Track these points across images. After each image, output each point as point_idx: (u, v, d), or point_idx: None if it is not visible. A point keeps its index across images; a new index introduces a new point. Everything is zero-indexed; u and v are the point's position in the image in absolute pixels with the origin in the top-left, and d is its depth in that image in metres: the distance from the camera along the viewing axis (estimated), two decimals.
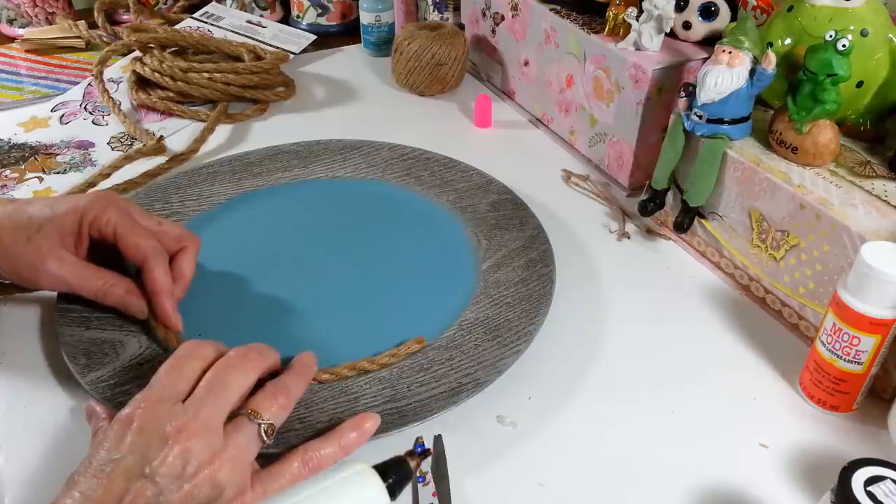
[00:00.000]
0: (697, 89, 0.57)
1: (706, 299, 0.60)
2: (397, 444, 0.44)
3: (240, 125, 0.83)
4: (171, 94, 0.83)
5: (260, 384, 0.43)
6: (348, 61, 0.98)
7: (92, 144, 0.78)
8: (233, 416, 0.40)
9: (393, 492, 0.35)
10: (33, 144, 0.77)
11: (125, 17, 1.03)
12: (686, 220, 0.61)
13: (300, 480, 0.39)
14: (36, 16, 1.00)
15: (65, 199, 0.53)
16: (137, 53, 0.86)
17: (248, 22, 1.02)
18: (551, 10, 0.76)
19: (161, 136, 0.78)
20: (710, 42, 0.64)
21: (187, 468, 0.37)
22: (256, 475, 0.40)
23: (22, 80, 0.90)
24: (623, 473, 0.46)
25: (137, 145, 0.77)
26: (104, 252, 0.53)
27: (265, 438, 0.40)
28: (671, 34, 0.68)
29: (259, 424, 0.40)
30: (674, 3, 0.65)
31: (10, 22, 1.00)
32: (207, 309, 0.56)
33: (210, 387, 0.40)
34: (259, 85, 0.85)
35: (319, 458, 0.42)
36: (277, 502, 0.34)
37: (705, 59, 0.64)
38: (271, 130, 0.82)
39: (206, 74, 0.83)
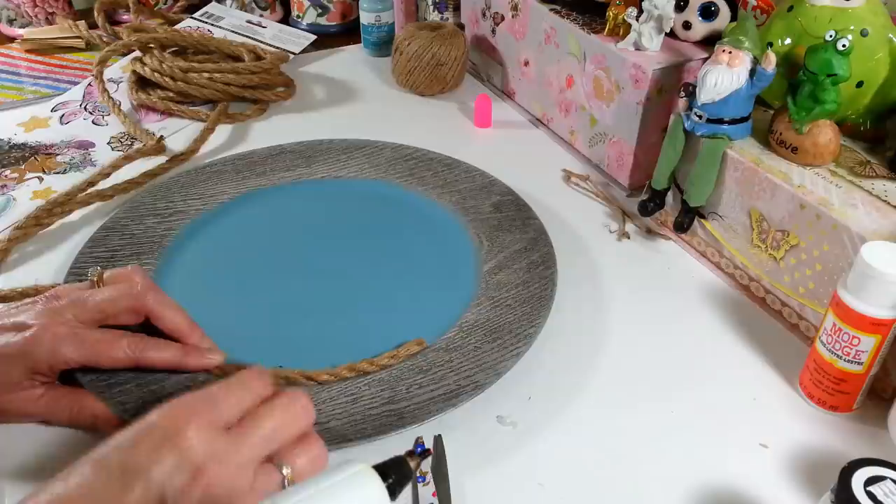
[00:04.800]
0: (697, 89, 0.57)
1: (706, 299, 0.60)
2: (397, 444, 0.44)
3: (240, 125, 0.83)
4: (171, 94, 0.83)
5: None
6: (348, 61, 0.98)
7: (92, 144, 0.78)
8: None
9: (393, 492, 0.35)
10: (33, 144, 0.77)
11: (125, 17, 1.03)
12: (686, 220, 0.61)
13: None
14: (36, 16, 1.00)
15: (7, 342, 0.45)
16: (137, 53, 0.86)
17: (248, 22, 1.02)
18: (551, 10, 0.76)
19: (161, 136, 0.78)
20: (710, 42, 0.64)
21: (219, 497, 0.36)
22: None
23: (22, 80, 0.90)
24: (623, 473, 0.46)
25: (137, 145, 0.77)
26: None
27: (284, 486, 0.38)
28: (671, 34, 0.68)
29: (284, 477, 0.38)
30: (674, 3, 0.65)
31: (10, 22, 1.00)
32: (208, 308, 0.56)
33: (258, 427, 0.38)
34: (259, 85, 0.85)
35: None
36: (278, 502, 0.34)
37: (705, 59, 0.64)
38: (271, 130, 0.82)
39: (206, 74, 0.83)
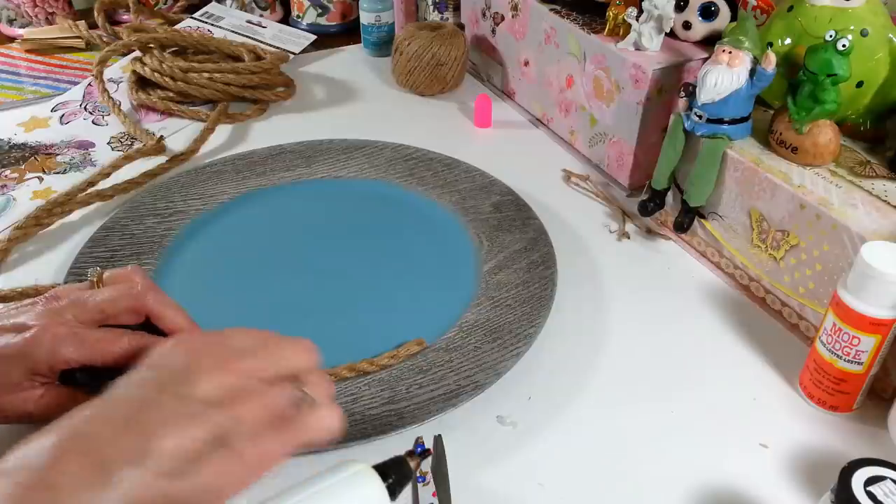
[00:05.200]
0: (697, 89, 0.57)
1: (706, 299, 0.60)
2: (397, 444, 0.44)
3: (240, 125, 0.83)
4: (171, 94, 0.83)
5: None
6: (348, 61, 0.98)
7: (92, 144, 0.78)
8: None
9: (393, 492, 0.35)
10: (33, 144, 0.77)
11: (125, 17, 1.03)
12: (686, 220, 0.61)
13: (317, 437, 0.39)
14: (36, 16, 1.00)
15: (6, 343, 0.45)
16: (137, 53, 0.86)
17: (248, 22, 1.02)
18: (551, 10, 0.76)
19: (161, 136, 0.78)
20: (710, 42, 0.64)
21: (217, 395, 0.36)
22: (276, 427, 0.38)
23: (22, 80, 0.90)
24: (623, 473, 0.46)
25: (137, 145, 0.77)
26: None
27: (298, 407, 0.39)
28: (671, 34, 0.68)
29: (300, 393, 0.39)
30: (674, 3, 0.65)
31: (10, 22, 1.00)
32: (208, 308, 0.55)
33: (263, 348, 0.40)
34: (259, 85, 0.85)
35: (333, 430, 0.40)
36: (278, 502, 0.34)
37: (705, 59, 0.64)
38: (271, 130, 0.82)
39: (206, 74, 0.83)
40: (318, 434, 0.38)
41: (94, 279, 0.49)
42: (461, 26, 0.92)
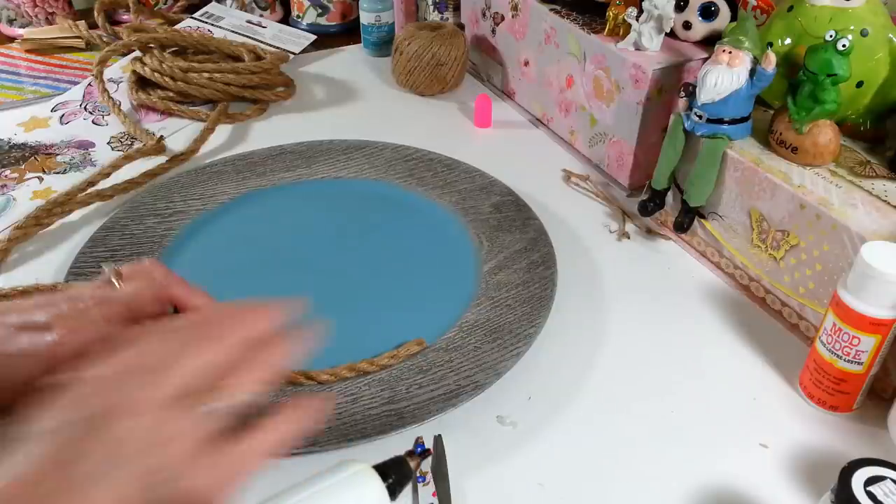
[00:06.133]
0: (697, 89, 0.57)
1: (706, 299, 0.60)
2: (397, 444, 0.44)
3: (240, 125, 0.83)
4: (171, 94, 0.83)
5: None
6: (348, 61, 0.98)
7: (92, 144, 0.78)
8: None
9: (393, 492, 0.35)
10: (33, 144, 0.77)
11: (125, 17, 1.03)
12: (686, 220, 0.61)
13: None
14: (36, 16, 1.00)
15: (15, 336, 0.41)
16: (137, 53, 0.86)
17: (248, 22, 1.02)
18: (551, 10, 0.76)
19: (161, 136, 0.78)
20: (710, 42, 0.64)
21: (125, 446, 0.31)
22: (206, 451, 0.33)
23: (22, 80, 0.90)
24: (623, 473, 0.46)
25: (137, 145, 0.77)
26: None
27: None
28: (671, 34, 0.68)
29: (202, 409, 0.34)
30: (674, 3, 0.65)
31: (10, 22, 1.00)
32: None
33: (150, 362, 0.35)
34: (259, 85, 0.85)
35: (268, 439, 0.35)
36: (277, 502, 0.34)
37: (705, 59, 0.64)
38: (271, 130, 0.82)
39: (206, 74, 0.83)
40: (264, 449, 0.34)
41: (112, 276, 0.48)
42: (461, 26, 0.92)
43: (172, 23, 1.00)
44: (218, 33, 0.97)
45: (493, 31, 0.87)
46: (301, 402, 0.36)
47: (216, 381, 0.35)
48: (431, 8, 0.95)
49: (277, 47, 0.95)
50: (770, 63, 0.54)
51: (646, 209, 0.64)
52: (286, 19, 1.07)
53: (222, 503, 0.32)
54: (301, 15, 1.04)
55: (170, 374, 0.33)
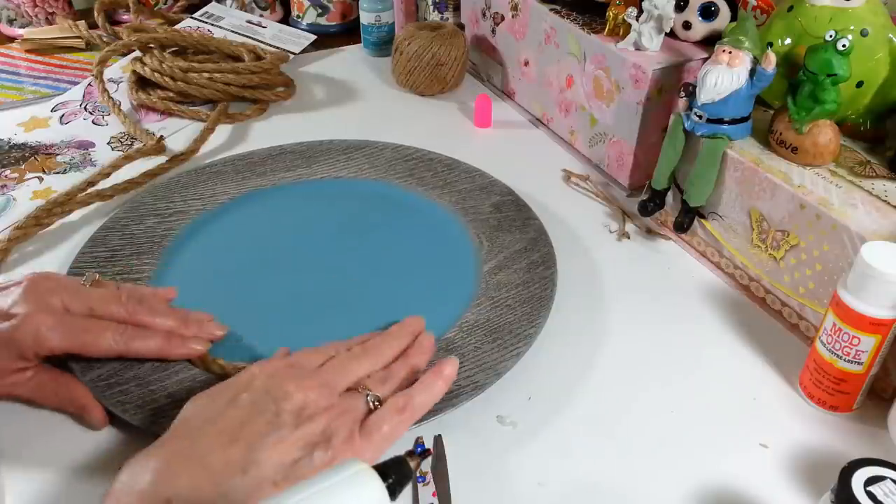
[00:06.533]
0: (697, 89, 0.57)
1: (706, 299, 0.60)
2: (397, 444, 0.44)
3: (240, 125, 0.83)
4: (171, 94, 0.83)
5: None
6: (348, 61, 0.98)
7: (92, 144, 0.78)
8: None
9: (393, 492, 0.35)
10: (33, 144, 0.77)
11: (125, 17, 1.03)
12: (686, 220, 0.61)
13: (400, 428, 0.44)
14: (36, 16, 1.00)
15: None
16: (137, 53, 0.86)
17: (248, 22, 1.02)
18: (551, 10, 0.76)
19: (161, 136, 0.78)
20: (710, 42, 0.64)
21: (305, 410, 0.41)
22: (361, 428, 0.43)
23: (22, 80, 0.90)
24: (623, 473, 0.46)
25: (137, 145, 0.77)
26: None
27: (371, 406, 0.44)
28: (671, 34, 0.68)
29: (367, 395, 0.44)
30: (674, 3, 0.65)
31: (10, 22, 1.00)
32: (208, 308, 0.55)
33: (332, 365, 0.45)
34: (259, 85, 0.85)
35: (413, 405, 0.44)
36: (277, 502, 0.34)
37: (705, 59, 0.64)
38: (271, 130, 0.82)
39: (206, 74, 0.83)
40: (393, 420, 0.43)
41: (88, 283, 0.50)
42: (461, 26, 0.92)
43: (172, 23, 1.00)
44: (218, 33, 0.97)
45: (493, 31, 0.87)
46: (429, 374, 0.46)
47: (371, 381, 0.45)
48: (431, 8, 0.95)
49: (277, 47, 0.95)
50: (770, 63, 0.54)
51: (646, 209, 0.64)
52: (286, 19, 1.07)
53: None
54: (301, 15, 1.04)
55: (335, 372, 0.45)
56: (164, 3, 1.07)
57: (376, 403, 0.44)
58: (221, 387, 0.43)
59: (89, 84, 0.87)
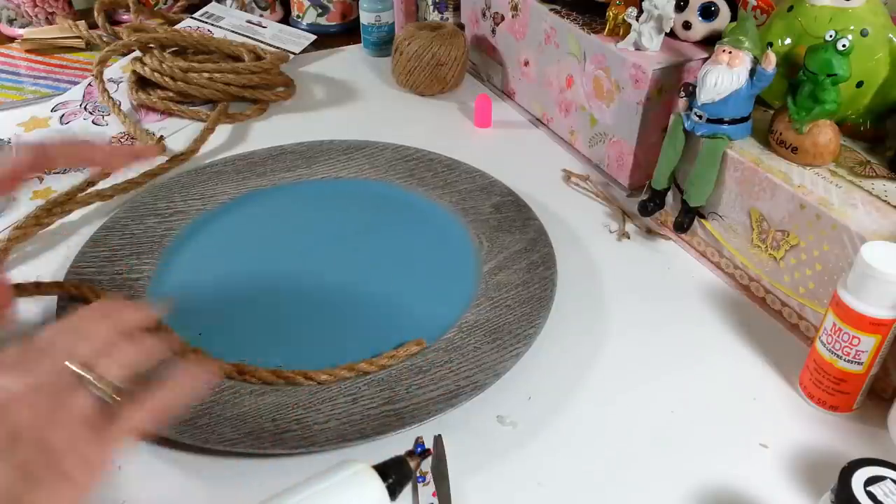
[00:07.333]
0: (697, 89, 0.57)
1: (706, 299, 0.60)
2: (397, 444, 0.44)
3: (240, 125, 0.83)
4: (171, 94, 0.83)
5: None
6: (348, 61, 0.98)
7: None
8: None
9: (393, 492, 0.35)
10: None
11: (125, 17, 1.03)
12: (686, 220, 0.61)
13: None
14: (36, 16, 1.00)
15: None
16: (137, 53, 0.86)
17: (248, 22, 1.02)
18: (551, 10, 0.76)
19: (161, 136, 0.78)
20: (710, 42, 0.64)
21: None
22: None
23: (22, 80, 0.90)
24: (623, 474, 0.46)
25: (137, 145, 0.77)
26: None
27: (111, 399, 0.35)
28: (671, 34, 0.68)
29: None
30: (674, 3, 0.65)
31: (10, 22, 1.00)
32: (208, 307, 0.56)
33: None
34: (259, 85, 0.85)
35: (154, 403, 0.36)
36: (277, 502, 0.34)
37: (705, 59, 0.64)
38: (271, 130, 0.82)
39: (206, 74, 0.83)
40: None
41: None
42: (461, 26, 0.92)
43: (172, 23, 1.00)
44: (218, 33, 0.97)
45: (493, 31, 0.87)
46: (170, 381, 0.37)
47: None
48: (431, 8, 0.95)
49: (277, 47, 0.95)
50: (770, 63, 0.54)
51: (646, 209, 0.64)
52: (286, 19, 1.07)
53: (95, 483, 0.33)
54: (301, 15, 1.04)
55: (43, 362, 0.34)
56: (164, 3, 1.07)
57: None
58: None
59: (89, 84, 0.87)
